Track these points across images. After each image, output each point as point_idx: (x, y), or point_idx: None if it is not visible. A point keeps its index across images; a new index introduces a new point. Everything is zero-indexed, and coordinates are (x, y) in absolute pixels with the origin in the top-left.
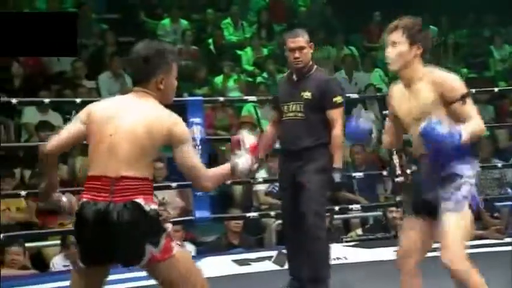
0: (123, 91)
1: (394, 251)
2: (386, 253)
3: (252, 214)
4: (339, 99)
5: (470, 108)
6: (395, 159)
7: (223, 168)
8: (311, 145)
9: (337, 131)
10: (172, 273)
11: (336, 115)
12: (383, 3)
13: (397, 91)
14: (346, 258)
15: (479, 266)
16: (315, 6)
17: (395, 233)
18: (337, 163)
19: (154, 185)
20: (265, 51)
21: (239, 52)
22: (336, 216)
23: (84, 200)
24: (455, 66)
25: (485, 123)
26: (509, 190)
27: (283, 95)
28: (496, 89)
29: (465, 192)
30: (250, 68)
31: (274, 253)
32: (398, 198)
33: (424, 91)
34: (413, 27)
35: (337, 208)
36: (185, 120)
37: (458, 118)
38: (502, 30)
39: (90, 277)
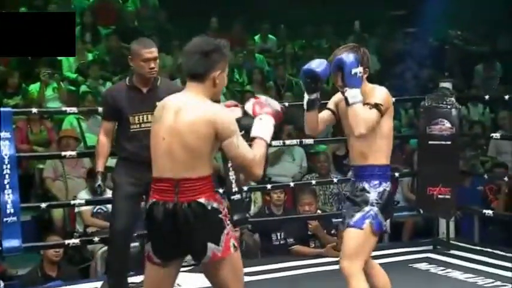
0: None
1: None
2: None
3: (73, 241)
4: None
5: (371, 111)
6: (232, 175)
7: (258, 144)
8: None
9: None
10: (227, 272)
11: None
12: (220, 9)
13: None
14: (179, 286)
15: (317, 287)
16: (147, 9)
17: None
18: None
19: None
20: (89, 56)
21: (59, 57)
22: None
23: (154, 200)
24: (294, 78)
25: (324, 137)
26: None
27: (131, 105)
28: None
29: (368, 210)
30: (73, 76)
31: (99, 284)
32: (235, 218)
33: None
34: (365, 54)
35: None
36: None
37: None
38: (340, 42)
39: (164, 270)
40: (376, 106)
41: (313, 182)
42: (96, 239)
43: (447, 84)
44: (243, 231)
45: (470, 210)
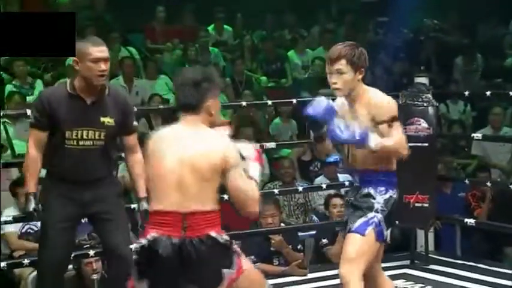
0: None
1: None
2: None
3: None
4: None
5: (395, 131)
6: None
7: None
8: (107, 174)
9: (140, 156)
10: (243, 285)
11: (135, 140)
12: None
13: (341, 105)
14: None
15: None
16: None
17: None
18: (144, 192)
19: None
20: None
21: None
22: None
23: (155, 234)
24: (254, 74)
25: (287, 141)
26: (314, 217)
27: (70, 118)
28: (294, 101)
29: (371, 217)
30: None
31: None
32: None
33: (361, 111)
34: (355, 54)
35: None
36: None
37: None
38: (304, 33)
39: None
40: (394, 119)
41: (276, 191)
42: (26, 261)
43: (423, 80)
44: None
45: (450, 219)
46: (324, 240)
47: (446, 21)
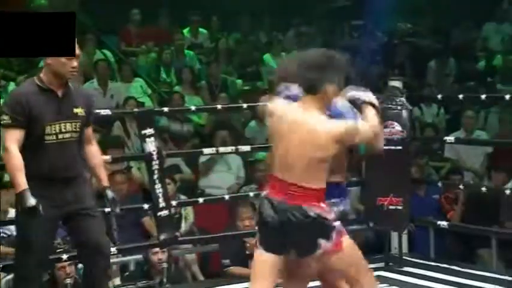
0: None
1: None
2: None
3: None
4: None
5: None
6: (158, 189)
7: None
8: (82, 172)
9: (96, 146)
10: (339, 265)
11: (91, 131)
12: None
13: None
14: None
15: None
16: None
17: (161, 280)
18: (107, 181)
19: None
20: None
21: None
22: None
23: (265, 194)
24: (229, 76)
25: (263, 144)
26: None
27: (47, 112)
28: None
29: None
30: None
31: None
32: (162, 237)
33: None
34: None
35: None
36: None
37: None
38: (279, 36)
39: (271, 261)
40: None
41: (251, 194)
42: None
43: (397, 83)
44: (171, 253)
45: (424, 222)
46: None
47: (420, 25)
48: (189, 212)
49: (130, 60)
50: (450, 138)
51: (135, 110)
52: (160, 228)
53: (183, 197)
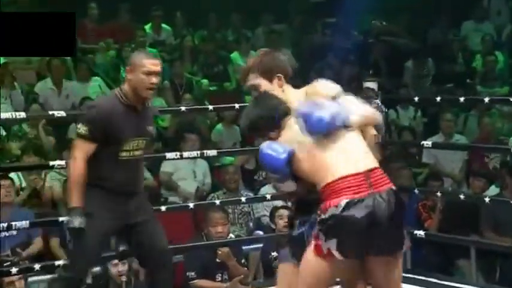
0: None
1: None
2: None
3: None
4: None
5: None
6: None
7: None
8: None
9: None
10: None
11: None
12: None
13: None
14: None
15: None
16: None
17: None
18: None
19: None
20: None
21: None
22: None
23: (346, 199)
24: (194, 76)
25: (231, 148)
26: (259, 232)
27: (128, 128)
28: (237, 105)
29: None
30: None
31: None
32: (121, 248)
33: None
34: (261, 62)
35: (37, 266)
36: None
37: None
38: (248, 33)
39: (346, 269)
40: None
41: (217, 202)
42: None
43: (372, 84)
44: (131, 265)
45: None
46: (274, 254)
47: (397, 23)
48: None
49: (88, 58)
50: (428, 143)
51: None
52: (119, 239)
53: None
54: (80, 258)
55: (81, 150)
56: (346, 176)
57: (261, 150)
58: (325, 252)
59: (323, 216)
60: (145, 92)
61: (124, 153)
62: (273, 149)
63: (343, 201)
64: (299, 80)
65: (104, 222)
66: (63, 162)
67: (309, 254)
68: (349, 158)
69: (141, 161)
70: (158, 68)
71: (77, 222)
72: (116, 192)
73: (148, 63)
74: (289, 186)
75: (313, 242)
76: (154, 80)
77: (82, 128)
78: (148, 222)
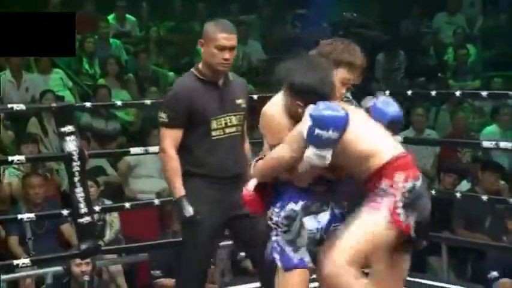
0: None
1: None
2: None
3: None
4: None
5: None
6: (79, 192)
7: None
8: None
9: (248, 145)
10: None
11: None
12: None
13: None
14: None
15: None
16: None
17: None
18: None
19: None
20: None
21: None
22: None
23: (413, 180)
24: (160, 68)
25: None
26: None
27: (211, 105)
28: None
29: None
30: None
31: None
32: (83, 246)
33: None
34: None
35: None
36: None
37: None
38: None
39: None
40: None
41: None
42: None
43: None
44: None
45: None
46: (242, 254)
47: (367, 15)
48: (114, 219)
49: None
50: (398, 138)
51: (54, 104)
52: (81, 237)
53: (107, 202)
54: (193, 255)
55: (169, 139)
56: (401, 155)
57: (319, 112)
58: (404, 226)
59: (401, 185)
60: (220, 66)
61: (215, 133)
62: (333, 108)
63: (419, 175)
64: (268, 72)
65: (208, 214)
66: (22, 158)
67: (380, 217)
68: (389, 139)
69: (237, 137)
70: (233, 43)
71: (188, 210)
72: (218, 177)
73: (222, 37)
74: (326, 158)
75: (388, 212)
76: (228, 55)
77: (163, 116)
78: (245, 214)
